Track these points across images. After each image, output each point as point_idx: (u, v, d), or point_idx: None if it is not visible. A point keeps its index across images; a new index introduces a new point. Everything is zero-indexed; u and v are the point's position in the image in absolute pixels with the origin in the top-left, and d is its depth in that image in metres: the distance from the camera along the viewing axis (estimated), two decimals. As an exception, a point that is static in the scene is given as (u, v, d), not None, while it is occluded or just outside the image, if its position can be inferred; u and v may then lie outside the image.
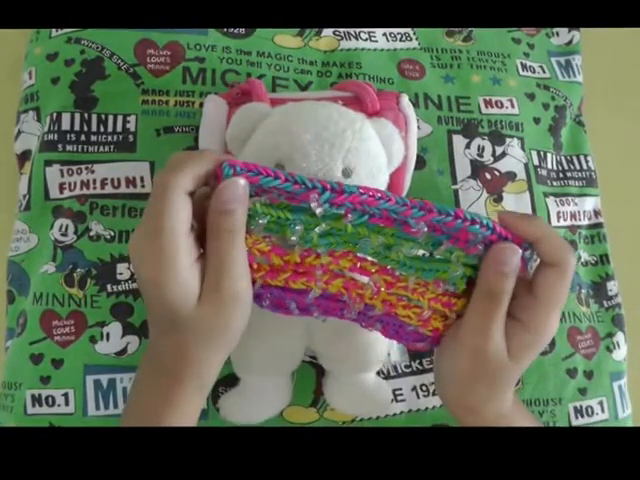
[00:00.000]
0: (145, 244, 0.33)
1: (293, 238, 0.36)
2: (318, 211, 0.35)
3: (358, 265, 0.38)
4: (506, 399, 0.39)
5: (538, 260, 0.37)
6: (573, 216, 0.58)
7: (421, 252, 0.37)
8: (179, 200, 0.32)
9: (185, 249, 0.33)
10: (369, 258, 0.38)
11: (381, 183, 0.44)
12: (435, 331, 0.39)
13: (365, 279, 0.39)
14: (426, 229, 0.35)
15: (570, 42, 0.64)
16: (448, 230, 0.36)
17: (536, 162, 0.57)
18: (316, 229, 0.36)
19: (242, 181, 0.34)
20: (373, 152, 0.42)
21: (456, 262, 0.37)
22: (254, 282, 0.38)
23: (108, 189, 0.51)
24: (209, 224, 0.34)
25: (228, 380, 0.48)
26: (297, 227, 0.36)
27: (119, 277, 0.49)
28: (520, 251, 0.36)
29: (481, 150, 0.56)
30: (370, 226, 0.36)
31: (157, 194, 0.33)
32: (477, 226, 0.35)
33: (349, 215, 0.36)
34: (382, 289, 0.38)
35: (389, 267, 0.38)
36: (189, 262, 0.34)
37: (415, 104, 0.55)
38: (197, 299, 0.34)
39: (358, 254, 0.38)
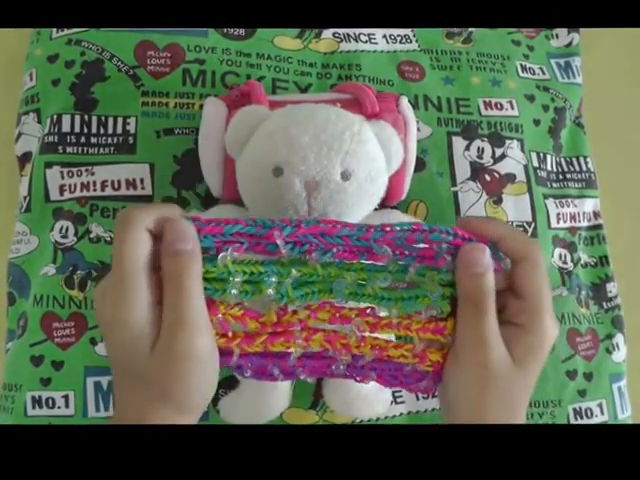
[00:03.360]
0: (107, 281, 0.33)
1: (270, 291, 0.35)
2: (284, 251, 0.34)
3: (337, 315, 0.37)
4: (519, 419, 0.37)
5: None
6: (573, 217, 0.58)
7: (394, 282, 0.36)
8: (138, 233, 0.32)
9: (143, 285, 0.32)
10: (347, 306, 0.37)
11: (380, 185, 0.44)
12: (435, 365, 0.37)
13: (347, 328, 0.37)
14: (390, 252, 0.35)
15: (570, 44, 0.64)
16: (412, 249, 0.35)
17: (536, 164, 0.57)
18: (288, 279, 0.35)
19: (186, 221, 0.33)
20: (372, 154, 0.42)
21: (431, 282, 0.36)
22: (232, 352, 0.36)
23: (108, 191, 0.51)
24: (163, 272, 0.33)
25: (228, 382, 0.48)
26: (272, 279, 0.35)
27: (121, 227, 0.49)
28: (486, 247, 0.35)
29: (481, 152, 0.56)
30: (339, 264, 0.36)
31: (118, 227, 0.32)
32: (437, 233, 0.35)
33: (313, 254, 0.35)
34: (366, 332, 0.37)
35: (368, 308, 0.37)
36: (146, 300, 0.32)
37: (415, 106, 0.55)
38: (150, 347, 0.32)
39: (336, 304, 0.37)
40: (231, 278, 0.34)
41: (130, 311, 0.32)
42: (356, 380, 0.39)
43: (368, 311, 0.37)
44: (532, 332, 0.35)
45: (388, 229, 0.35)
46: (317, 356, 0.37)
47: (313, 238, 0.35)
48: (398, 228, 0.35)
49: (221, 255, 0.34)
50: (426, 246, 0.35)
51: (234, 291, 0.35)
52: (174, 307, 0.32)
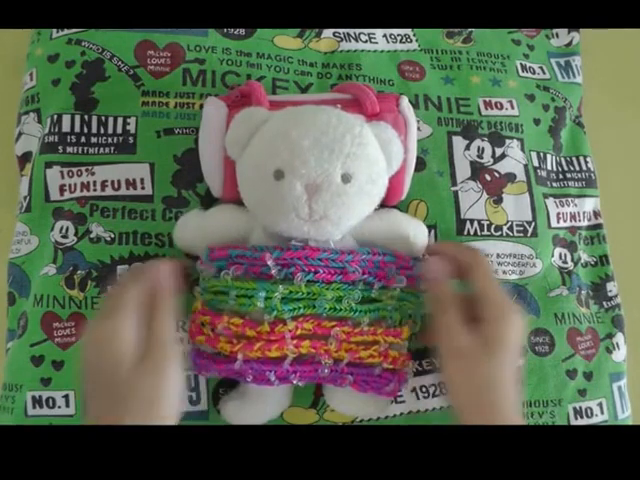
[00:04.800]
0: (103, 306, 0.42)
1: (259, 304, 0.41)
2: (273, 272, 0.41)
3: (320, 325, 0.43)
4: (507, 406, 0.41)
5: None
6: (573, 217, 0.58)
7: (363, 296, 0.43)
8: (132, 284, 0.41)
9: (131, 313, 0.40)
10: (326, 318, 0.43)
11: (380, 187, 0.44)
12: (394, 361, 0.45)
13: (327, 336, 0.43)
14: (360, 271, 0.43)
15: (570, 43, 0.64)
16: (374, 270, 0.44)
17: (536, 163, 0.57)
18: (277, 294, 0.41)
19: (164, 265, 0.43)
20: (372, 157, 0.42)
21: (387, 298, 0.44)
22: (235, 357, 0.42)
23: (108, 191, 0.51)
24: (144, 304, 0.41)
25: (229, 382, 0.48)
26: (261, 293, 0.41)
27: (119, 279, 0.49)
28: (440, 260, 0.46)
29: (481, 151, 0.56)
30: (320, 284, 0.42)
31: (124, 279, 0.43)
32: (387, 257, 0.44)
33: (299, 274, 0.42)
34: (343, 337, 0.43)
35: (344, 320, 0.43)
36: (133, 325, 0.39)
37: (415, 105, 0.55)
38: (134, 360, 0.39)
39: (319, 317, 0.43)
40: (230, 292, 0.42)
41: (119, 330, 0.39)
42: (336, 384, 0.45)
43: (344, 321, 0.43)
44: (494, 322, 0.43)
45: (356, 253, 0.43)
46: (307, 362, 0.43)
47: (298, 260, 0.42)
48: (364, 255, 0.43)
49: (223, 272, 0.42)
50: (381, 268, 0.44)
51: (232, 301, 0.42)
52: (151, 331, 0.40)
